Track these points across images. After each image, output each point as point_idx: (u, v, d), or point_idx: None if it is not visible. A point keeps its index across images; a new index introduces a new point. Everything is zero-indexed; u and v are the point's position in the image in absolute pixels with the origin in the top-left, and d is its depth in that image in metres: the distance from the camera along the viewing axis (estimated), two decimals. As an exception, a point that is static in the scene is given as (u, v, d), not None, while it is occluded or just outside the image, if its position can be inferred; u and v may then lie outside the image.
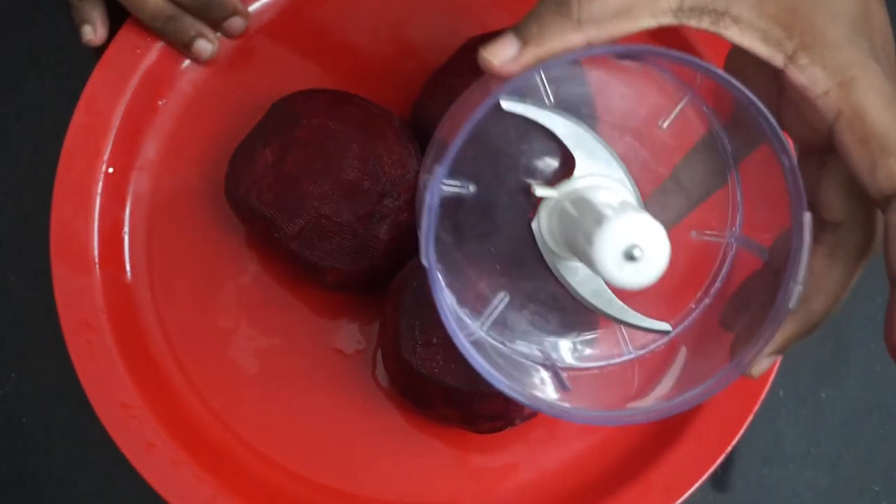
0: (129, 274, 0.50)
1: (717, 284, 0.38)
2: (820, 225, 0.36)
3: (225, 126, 0.50)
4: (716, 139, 0.37)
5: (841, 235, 0.35)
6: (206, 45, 0.50)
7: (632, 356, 0.38)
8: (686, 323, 0.38)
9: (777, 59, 0.34)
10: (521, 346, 0.37)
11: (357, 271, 0.46)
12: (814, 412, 0.53)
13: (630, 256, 0.32)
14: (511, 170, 0.37)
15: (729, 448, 0.47)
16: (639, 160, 0.37)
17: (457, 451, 0.49)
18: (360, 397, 0.50)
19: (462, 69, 0.48)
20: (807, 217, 0.34)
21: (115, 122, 0.50)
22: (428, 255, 0.33)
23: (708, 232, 0.38)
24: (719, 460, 0.47)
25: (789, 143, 0.34)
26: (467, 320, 0.37)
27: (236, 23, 0.51)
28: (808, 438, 0.53)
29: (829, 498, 0.52)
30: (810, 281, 0.35)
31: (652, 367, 0.37)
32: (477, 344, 0.36)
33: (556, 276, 0.37)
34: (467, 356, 0.34)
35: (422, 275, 0.45)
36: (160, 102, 0.52)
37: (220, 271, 0.50)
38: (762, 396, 0.48)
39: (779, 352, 0.36)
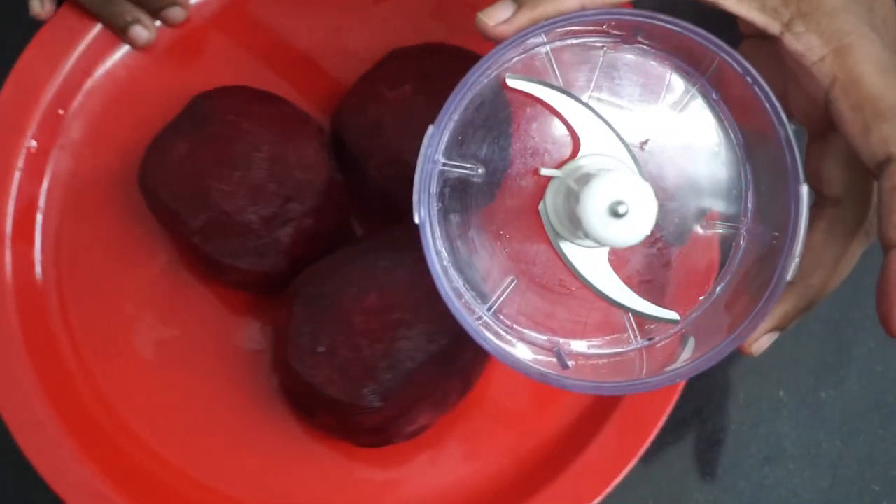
0: (38, 252, 0.50)
1: (728, 276, 0.38)
2: (821, 202, 0.37)
3: (154, 115, 0.49)
4: (727, 130, 0.37)
5: (840, 210, 0.36)
6: (141, 32, 0.50)
7: (639, 346, 0.38)
8: (696, 314, 0.38)
9: (773, 27, 0.34)
10: (528, 332, 0.37)
11: (258, 272, 0.46)
12: (814, 412, 0.53)
13: (615, 213, 0.33)
14: (518, 153, 0.37)
15: (617, 479, 0.47)
16: (647, 147, 0.37)
17: (343, 460, 0.49)
18: (254, 398, 0.49)
19: (377, 80, 0.48)
20: (803, 189, 0.34)
21: (44, 99, 0.50)
22: (419, 207, 0.34)
23: (720, 224, 0.38)
24: (608, 490, 0.47)
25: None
26: (474, 304, 0.37)
27: (175, 13, 0.51)
28: (808, 438, 0.53)
29: (830, 498, 0.52)
30: (810, 256, 0.36)
31: (660, 358, 0.37)
32: (485, 327, 0.37)
33: (564, 261, 0.37)
34: (452, 309, 0.35)
35: (316, 283, 0.45)
36: (91, 84, 0.51)
37: (130, 258, 0.50)
38: (660, 422, 0.47)
39: (778, 327, 0.37)
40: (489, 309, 0.37)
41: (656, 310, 0.37)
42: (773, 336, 0.37)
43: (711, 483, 0.52)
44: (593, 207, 0.33)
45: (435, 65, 0.48)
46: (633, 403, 0.47)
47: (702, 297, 0.38)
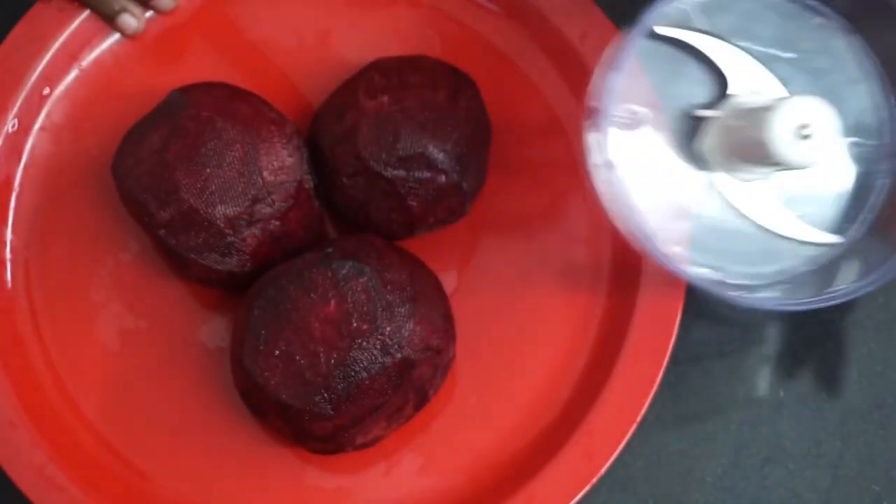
0: (9, 232, 0.50)
1: (882, 198, 0.40)
2: None
3: (138, 104, 0.49)
4: (868, 63, 0.40)
5: None
6: (130, 20, 0.51)
7: (801, 272, 0.40)
8: (854, 239, 0.40)
9: None
10: (695, 268, 0.39)
11: (222, 271, 0.46)
12: (814, 412, 0.53)
13: (802, 135, 0.35)
14: (672, 98, 0.39)
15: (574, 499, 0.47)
16: (793, 83, 0.39)
17: (296, 463, 0.48)
18: (213, 394, 0.49)
19: (357, 88, 0.48)
20: None
21: (29, 78, 0.50)
22: (599, 150, 0.37)
23: (865, 151, 0.40)
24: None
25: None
26: (646, 239, 0.39)
27: (164, 1, 0.51)
28: (809, 438, 0.53)
29: (830, 498, 0.52)
30: None
31: (822, 284, 0.39)
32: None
33: (725, 197, 0.39)
34: (639, 241, 0.37)
35: (278, 285, 0.45)
36: (78, 68, 0.51)
37: (101, 244, 0.50)
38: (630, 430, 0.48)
39: None
40: (659, 244, 0.39)
41: (819, 235, 0.39)
42: None
43: (711, 483, 0.52)
44: (781, 130, 0.35)
45: (416, 77, 0.48)
46: (592, 429, 0.48)
47: (856, 224, 0.40)
